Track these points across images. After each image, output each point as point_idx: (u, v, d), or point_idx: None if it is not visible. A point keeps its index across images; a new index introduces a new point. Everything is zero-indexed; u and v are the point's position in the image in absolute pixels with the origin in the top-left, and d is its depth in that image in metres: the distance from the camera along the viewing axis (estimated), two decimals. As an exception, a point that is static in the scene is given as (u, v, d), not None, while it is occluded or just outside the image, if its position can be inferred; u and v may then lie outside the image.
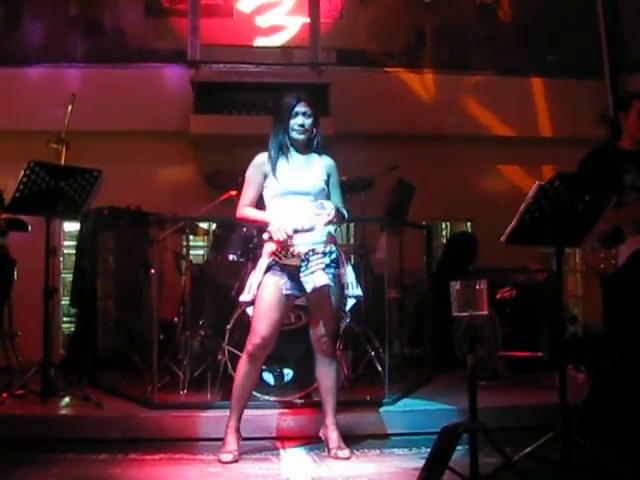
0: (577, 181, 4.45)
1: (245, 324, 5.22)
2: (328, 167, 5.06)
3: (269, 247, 4.89)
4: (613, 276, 4.90)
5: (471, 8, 10.30)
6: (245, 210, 5.00)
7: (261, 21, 9.83)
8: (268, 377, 5.88)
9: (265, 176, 4.95)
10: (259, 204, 5.07)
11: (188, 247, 6.95)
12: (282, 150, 4.93)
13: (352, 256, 7.18)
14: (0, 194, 6.66)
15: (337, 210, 4.80)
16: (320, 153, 5.09)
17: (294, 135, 4.96)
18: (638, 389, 4.90)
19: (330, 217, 4.73)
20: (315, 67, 9.35)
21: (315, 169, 5.00)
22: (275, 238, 4.73)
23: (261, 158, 5.01)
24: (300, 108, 4.94)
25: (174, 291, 7.30)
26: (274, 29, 9.87)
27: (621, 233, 4.88)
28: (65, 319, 9.15)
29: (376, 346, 6.76)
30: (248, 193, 5.01)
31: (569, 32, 9.88)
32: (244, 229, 6.57)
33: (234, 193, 6.68)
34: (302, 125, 4.94)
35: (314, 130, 5.03)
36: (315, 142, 5.06)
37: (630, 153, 5.08)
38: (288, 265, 4.83)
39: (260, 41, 9.89)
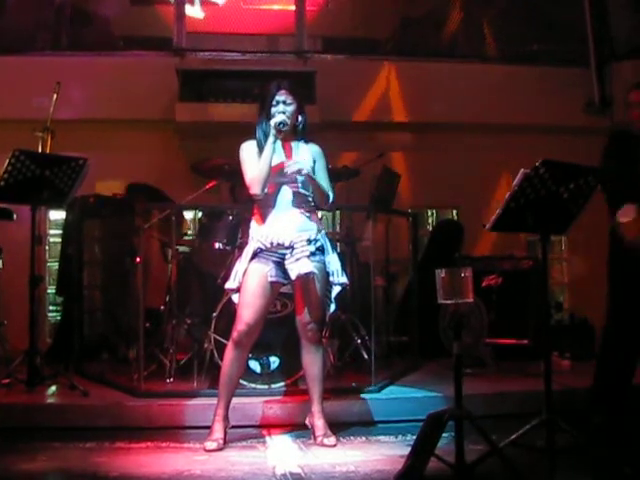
0: (562, 169, 4.46)
1: (231, 312, 5.21)
2: (314, 153, 5.07)
3: (255, 234, 4.91)
4: None
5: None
6: (252, 174, 4.88)
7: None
8: (254, 365, 5.89)
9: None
10: (248, 197, 5.07)
11: (174, 235, 6.93)
12: (267, 139, 4.91)
13: (338, 244, 7.16)
14: None
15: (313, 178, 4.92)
16: (307, 141, 5.10)
17: None
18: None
19: (298, 165, 4.81)
20: (301, 55, 9.33)
21: (301, 156, 5.00)
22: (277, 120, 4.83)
23: (249, 143, 5.01)
24: (280, 97, 4.95)
25: (160, 279, 7.29)
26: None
27: None
28: (51, 308, 9.10)
29: (362, 334, 6.78)
30: (250, 167, 4.93)
31: (555, 20, 9.88)
32: (230, 217, 6.57)
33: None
34: (283, 113, 4.93)
35: (298, 117, 5.03)
36: (300, 128, 5.06)
37: None
38: (273, 252, 4.85)
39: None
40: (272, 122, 4.84)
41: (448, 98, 9.29)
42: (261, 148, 4.91)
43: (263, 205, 4.94)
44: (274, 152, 4.87)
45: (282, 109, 4.92)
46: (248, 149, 5.01)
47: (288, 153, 4.99)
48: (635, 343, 5.00)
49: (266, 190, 4.86)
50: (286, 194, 4.89)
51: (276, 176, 4.87)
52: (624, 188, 4.78)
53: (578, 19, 9.75)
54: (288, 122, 4.87)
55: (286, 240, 4.82)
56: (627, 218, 4.87)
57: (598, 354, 5.29)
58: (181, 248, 6.97)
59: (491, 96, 9.43)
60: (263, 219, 4.92)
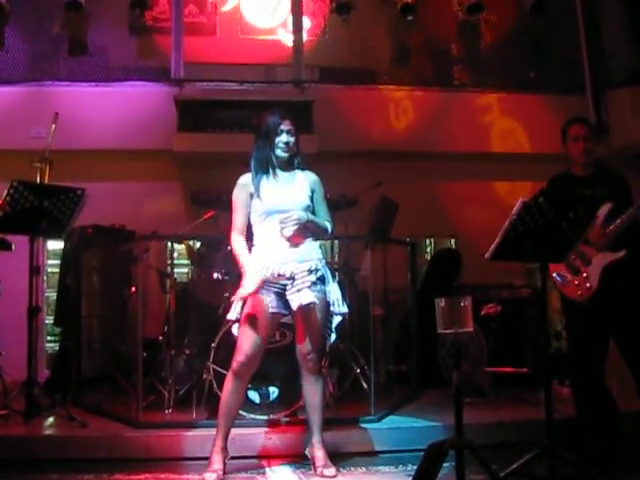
0: (560, 198, 4.48)
1: (230, 342, 5.21)
2: (312, 182, 5.08)
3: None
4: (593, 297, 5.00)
5: (454, 25, 10.34)
6: (235, 242, 4.98)
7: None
8: (254, 395, 5.86)
9: (251, 196, 4.96)
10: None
11: (172, 265, 6.94)
12: (266, 169, 4.94)
13: (337, 273, 7.16)
14: None
15: (312, 221, 4.90)
16: (303, 169, 5.12)
17: (278, 153, 4.98)
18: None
19: (293, 218, 4.78)
20: (298, 85, 9.40)
21: (299, 186, 5.01)
22: (240, 296, 4.80)
23: (245, 179, 5.03)
24: (285, 126, 4.97)
25: (159, 309, 7.28)
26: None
27: (586, 257, 4.99)
28: (49, 338, 9.10)
29: (361, 363, 6.76)
30: (238, 217, 5.00)
31: (551, 48, 9.96)
32: (228, 247, 6.57)
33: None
34: (287, 143, 4.96)
35: (296, 148, 5.05)
36: (296, 161, 5.08)
37: (580, 178, 5.19)
38: (274, 283, 4.85)
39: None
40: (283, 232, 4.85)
41: (446, 127, 9.36)
42: (257, 182, 4.94)
43: (264, 236, 4.96)
44: (273, 183, 4.94)
45: (286, 139, 4.96)
46: (241, 188, 5.03)
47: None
48: (597, 362, 5.08)
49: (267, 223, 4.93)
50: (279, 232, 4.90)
51: (275, 209, 4.89)
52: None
53: (574, 47, 9.83)
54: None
55: (287, 271, 4.83)
56: (561, 282, 5.14)
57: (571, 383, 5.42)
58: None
59: (488, 124, 9.50)
60: (264, 250, 4.93)
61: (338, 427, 5.69)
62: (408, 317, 7.50)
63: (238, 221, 5.00)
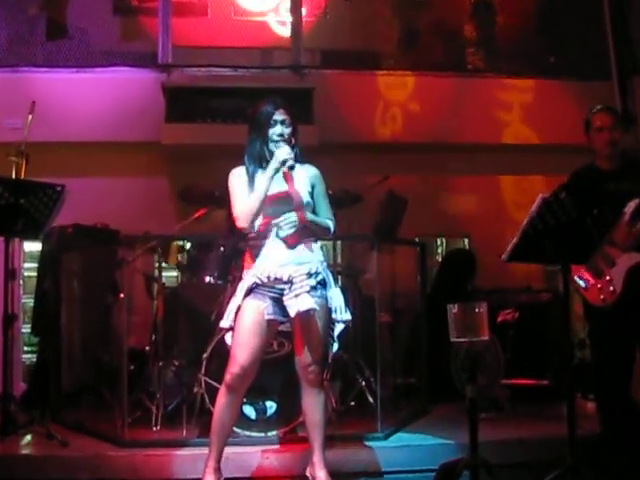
0: (584, 194, 4.47)
1: (223, 353, 5.21)
2: (312, 177, 5.05)
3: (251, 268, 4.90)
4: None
5: (466, 4, 10.33)
6: (243, 207, 4.87)
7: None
8: (249, 411, 5.87)
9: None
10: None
11: (160, 269, 6.93)
12: (260, 164, 4.92)
13: (340, 277, 7.15)
14: None
15: (311, 221, 4.88)
16: (302, 162, 5.07)
17: (272, 147, 4.93)
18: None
19: (291, 220, 4.76)
20: (298, 70, 9.39)
21: (298, 181, 4.98)
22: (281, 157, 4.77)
23: (239, 170, 5.00)
24: (279, 116, 4.92)
25: (145, 317, 7.28)
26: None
27: (609, 258, 4.99)
28: (26, 349, 9.10)
29: (367, 375, 6.77)
30: (239, 203, 4.92)
31: (574, 31, 9.95)
32: (222, 248, 6.57)
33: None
34: (281, 135, 4.91)
35: (292, 140, 5.02)
36: (294, 153, 5.03)
37: (606, 171, 5.19)
38: (271, 288, 4.84)
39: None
40: (279, 156, 4.79)
41: (459, 116, 9.35)
42: (251, 175, 4.92)
43: (259, 236, 4.93)
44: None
45: (280, 130, 4.91)
46: (238, 176, 4.99)
47: (289, 181, 4.96)
48: (623, 373, 5.11)
49: (257, 224, 4.86)
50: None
51: (273, 205, 4.86)
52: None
53: (597, 29, 9.83)
54: (295, 166, 4.86)
55: (284, 274, 4.79)
56: (583, 286, 5.14)
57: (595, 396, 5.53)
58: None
59: (505, 113, 9.49)
60: (259, 251, 4.92)
61: (341, 445, 5.69)
62: (417, 324, 7.50)
63: (240, 202, 4.90)
